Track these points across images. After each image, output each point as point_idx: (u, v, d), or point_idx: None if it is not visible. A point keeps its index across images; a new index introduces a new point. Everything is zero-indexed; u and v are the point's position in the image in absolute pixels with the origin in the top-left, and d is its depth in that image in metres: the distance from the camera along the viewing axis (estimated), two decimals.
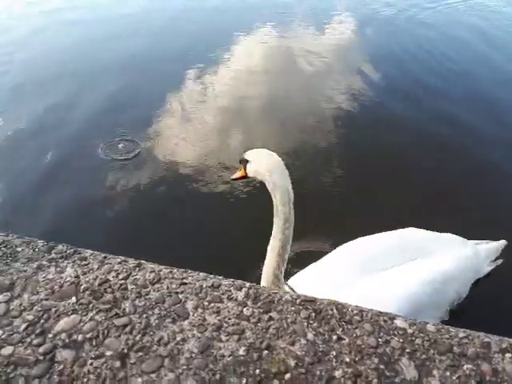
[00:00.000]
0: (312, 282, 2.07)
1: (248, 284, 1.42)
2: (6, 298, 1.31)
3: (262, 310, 1.33)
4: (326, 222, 3.28)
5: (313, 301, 1.38)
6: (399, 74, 5.55)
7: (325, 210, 3.41)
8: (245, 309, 1.33)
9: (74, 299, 1.32)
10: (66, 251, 1.49)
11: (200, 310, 1.31)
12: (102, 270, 1.43)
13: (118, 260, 1.47)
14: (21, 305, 1.29)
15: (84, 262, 1.45)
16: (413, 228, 2.39)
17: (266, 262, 1.96)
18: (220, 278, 1.45)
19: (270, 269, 1.94)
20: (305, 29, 6.95)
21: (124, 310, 1.30)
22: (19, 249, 1.48)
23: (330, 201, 3.53)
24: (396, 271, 2.02)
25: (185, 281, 1.41)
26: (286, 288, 2.06)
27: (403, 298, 1.94)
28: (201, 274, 1.45)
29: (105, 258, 1.48)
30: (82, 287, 1.36)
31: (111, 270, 1.43)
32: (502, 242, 2.65)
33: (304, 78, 5.41)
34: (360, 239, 2.32)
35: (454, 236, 2.43)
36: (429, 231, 2.37)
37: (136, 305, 1.32)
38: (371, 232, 2.29)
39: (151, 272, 1.43)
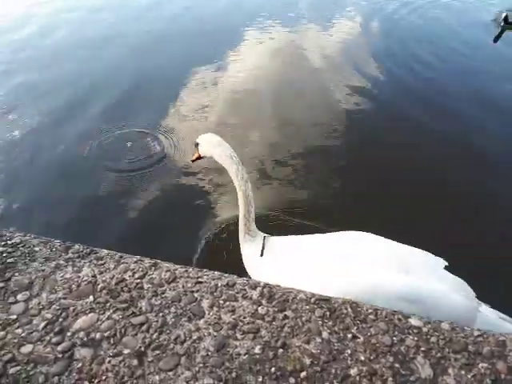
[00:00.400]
0: (284, 252, 2.20)
1: (262, 283, 1.43)
2: (25, 296, 1.34)
3: (276, 309, 1.34)
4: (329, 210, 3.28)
5: (327, 299, 1.39)
6: (408, 71, 5.53)
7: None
8: (260, 307, 1.34)
9: (91, 298, 1.34)
10: (82, 251, 1.51)
11: (215, 309, 1.33)
12: (118, 269, 1.45)
13: (134, 259, 1.49)
14: (39, 303, 1.32)
15: (100, 262, 1.47)
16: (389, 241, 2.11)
17: (239, 215, 2.31)
18: (235, 276, 1.46)
19: (242, 221, 2.29)
20: (315, 24, 6.95)
21: (141, 308, 1.32)
22: (37, 248, 1.51)
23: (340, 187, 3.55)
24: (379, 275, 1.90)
25: (200, 280, 1.42)
26: (259, 239, 2.28)
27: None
28: (216, 272, 1.47)
29: (121, 257, 1.50)
30: (99, 286, 1.38)
31: (127, 269, 1.45)
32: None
33: (314, 73, 5.42)
34: (350, 232, 2.20)
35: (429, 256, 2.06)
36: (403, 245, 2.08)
37: (152, 303, 1.34)
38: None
39: (167, 271, 1.45)
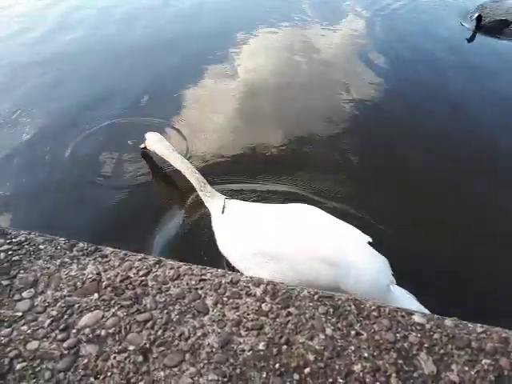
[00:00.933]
0: (241, 212, 2.45)
1: (266, 280, 1.44)
2: (31, 294, 1.35)
3: (280, 306, 1.35)
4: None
5: (331, 296, 1.39)
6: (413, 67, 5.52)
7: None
8: (263, 304, 1.35)
9: (96, 295, 1.35)
10: (87, 249, 1.52)
11: (219, 306, 1.33)
12: (122, 266, 1.46)
13: (139, 257, 1.50)
14: (45, 301, 1.33)
15: (105, 259, 1.48)
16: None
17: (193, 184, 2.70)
18: (238, 274, 1.47)
19: (197, 187, 2.65)
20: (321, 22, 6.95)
21: (145, 305, 1.33)
22: (42, 246, 1.52)
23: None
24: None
25: (204, 277, 1.43)
26: (218, 199, 2.57)
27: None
28: (219, 270, 1.48)
29: (125, 255, 1.51)
30: (104, 284, 1.39)
31: (132, 266, 1.46)
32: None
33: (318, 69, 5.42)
34: (297, 205, 2.43)
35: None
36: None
37: (157, 301, 1.34)
38: None
39: (171, 269, 1.46)
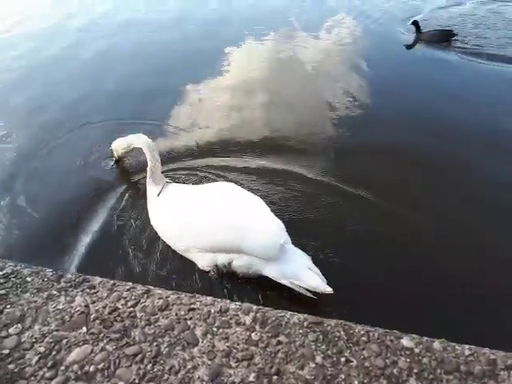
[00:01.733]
0: (173, 194, 2.81)
1: (255, 307, 1.44)
2: (17, 330, 1.33)
3: (270, 334, 1.35)
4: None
5: (320, 322, 1.40)
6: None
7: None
8: (253, 333, 1.35)
9: (84, 329, 1.34)
10: (74, 280, 1.51)
11: (209, 336, 1.33)
12: (110, 297, 1.45)
13: (127, 287, 1.49)
14: (32, 336, 1.31)
15: (93, 291, 1.47)
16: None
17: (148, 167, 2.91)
18: (227, 301, 1.47)
19: (149, 170, 2.86)
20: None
21: (134, 338, 1.32)
22: (29, 279, 1.50)
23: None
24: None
25: (193, 306, 1.43)
26: (162, 184, 2.85)
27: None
28: (208, 298, 1.47)
29: (113, 285, 1.50)
30: (92, 316, 1.38)
31: (120, 297, 1.45)
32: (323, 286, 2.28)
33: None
34: (220, 183, 2.89)
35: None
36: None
37: (146, 333, 1.34)
38: None
39: (159, 298, 1.45)
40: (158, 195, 2.82)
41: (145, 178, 3.01)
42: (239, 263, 2.45)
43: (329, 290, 2.23)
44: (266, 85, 5.23)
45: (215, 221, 2.50)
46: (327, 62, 6.02)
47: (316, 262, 2.37)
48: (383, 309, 2.16)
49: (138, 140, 3.02)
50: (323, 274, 2.29)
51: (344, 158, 3.71)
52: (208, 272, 2.50)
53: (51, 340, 1.31)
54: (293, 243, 2.44)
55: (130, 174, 3.46)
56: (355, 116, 4.44)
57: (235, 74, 5.56)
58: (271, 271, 2.39)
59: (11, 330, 1.33)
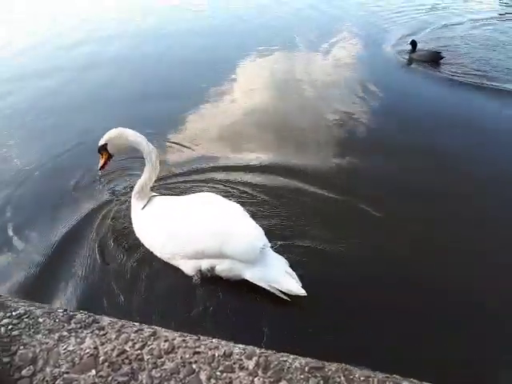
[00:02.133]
0: (157, 207, 3.00)
1: (258, 351, 1.48)
2: (30, 372, 1.39)
3: (272, 380, 1.38)
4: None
5: (321, 368, 1.43)
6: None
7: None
8: (256, 379, 1.39)
9: (93, 372, 1.39)
10: (84, 320, 1.57)
11: (213, 381, 1.37)
12: (119, 339, 1.50)
13: (135, 329, 1.54)
14: (44, 379, 1.37)
15: (102, 332, 1.52)
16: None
17: (140, 179, 3.06)
18: (231, 344, 1.51)
19: (140, 184, 3.03)
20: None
21: (141, 382, 1.37)
22: (41, 319, 1.56)
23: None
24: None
25: (198, 349, 1.47)
26: (144, 198, 3.03)
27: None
28: (213, 340, 1.52)
29: (122, 326, 1.55)
30: (101, 359, 1.43)
31: (128, 339, 1.50)
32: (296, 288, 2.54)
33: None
34: (202, 194, 3.09)
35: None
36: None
37: (153, 376, 1.38)
38: None
39: (165, 341, 1.50)
40: (143, 208, 2.99)
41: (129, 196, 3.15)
42: (222, 267, 2.66)
43: (302, 292, 2.46)
44: (266, 107, 5.56)
45: (198, 229, 2.67)
46: (323, 80, 6.26)
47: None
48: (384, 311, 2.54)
49: (148, 148, 2.92)
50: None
51: (338, 173, 4.12)
52: (192, 277, 2.72)
53: (62, 383, 1.36)
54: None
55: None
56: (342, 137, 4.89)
57: (236, 96, 5.77)
58: (252, 275, 2.60)
59: (24, 372, 1.38)
